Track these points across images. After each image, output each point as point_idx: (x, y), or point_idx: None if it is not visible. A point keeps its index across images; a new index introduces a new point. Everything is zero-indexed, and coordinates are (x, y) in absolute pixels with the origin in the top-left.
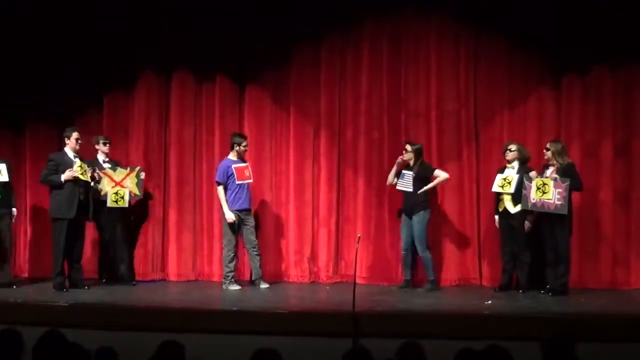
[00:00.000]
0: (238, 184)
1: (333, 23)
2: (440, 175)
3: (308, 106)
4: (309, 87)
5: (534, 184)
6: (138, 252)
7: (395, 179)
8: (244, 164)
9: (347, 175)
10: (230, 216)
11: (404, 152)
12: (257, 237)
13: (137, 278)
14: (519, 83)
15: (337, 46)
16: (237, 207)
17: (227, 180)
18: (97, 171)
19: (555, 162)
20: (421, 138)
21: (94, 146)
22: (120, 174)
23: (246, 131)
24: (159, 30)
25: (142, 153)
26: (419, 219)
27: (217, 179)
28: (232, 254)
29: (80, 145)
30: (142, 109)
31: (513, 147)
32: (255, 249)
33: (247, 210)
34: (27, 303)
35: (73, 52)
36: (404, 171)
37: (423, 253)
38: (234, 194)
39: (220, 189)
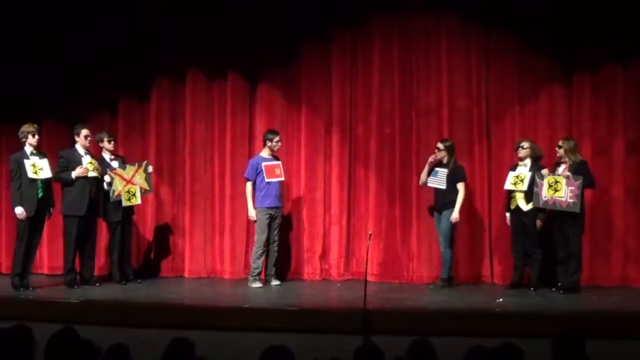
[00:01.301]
0: (267, 182)
1: (343, 20)
2: (460, 191)
3: (319, 103)
4: (320, 84)
5: (545, 182)
6: (152, 250)
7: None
8: (275, 162)
9: (358, 173)
10: (252, 214)
11: (436, 150)
12: (279, 235)
13: (151, 274)
14: (529, 80)
15: (348, 43)
16: (266, 205)
17: (256, 177)
18: (109, 172)
19: (567, 159)
20: (433, 135)
21: (97, 144)
22: (129, 171)
23: (257, 129)
24: (172, 30)
25: (156, 153)
26: (448, 216)
27: (245, 174)
28: (261, 251)
29: (90, 142)
30: (156, 107)
31: (525, 144)
32: (275, 246)
33: (277, 208)
34: (39, 300)
35: (89, 51)
36: (437, 168)
37: (445, 250)
38: (262, 192)
39: (248, 185)
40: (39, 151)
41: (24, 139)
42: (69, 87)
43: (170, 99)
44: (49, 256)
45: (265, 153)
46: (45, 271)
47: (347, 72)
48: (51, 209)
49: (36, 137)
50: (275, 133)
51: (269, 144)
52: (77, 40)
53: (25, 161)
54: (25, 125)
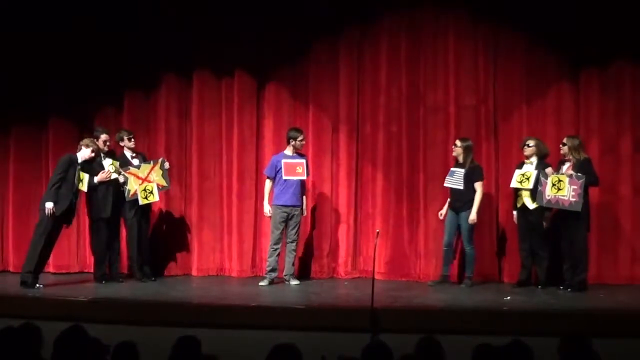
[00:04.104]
0: (285, 180)
1: (351, 17)
2: (478, 191)
3: (326, 101)
4: (328, 82)
5: (549, 180)
6: (160, 248)
7: None
8: (297, 160)
9: (365, 171)
10: (266, 210)
11: (453, 147)
12: (298, 234)
13: (160, 273)
14: (537, 78)
15: (355, 41)
16: (281, 202)
17: (276, 175)
18: (123, 173)
19: (571, 157)
20: (440, 133)
21: (118, 143)
22: (144, 169)
23: (264, 126)
24: (179, 26)
25: (163, 148)
26: (467, 217)
27: (265, 171)
28: (272, 250)
29: (109, 146)
30: (163, 105)
31: (531, 142)
32: (293, 245)
33: (295, 207)
34: (47, 298)
35: (94, 51)
36: (453, 168)
37: (470, 249)
38: (280, 189)
39: (267, 182)
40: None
41: (83, 147)
42: (75, 86)
43: (178, 97)
44: (55, 255)
45: (289, 151)
46: (51, 270)
47: (354, 69)
48: (72, 218)
49: (94, 154)
50: (299, 131)
51: (292, 142)
52: (82, 39)
53: (75, 167)
54: (89, 139)
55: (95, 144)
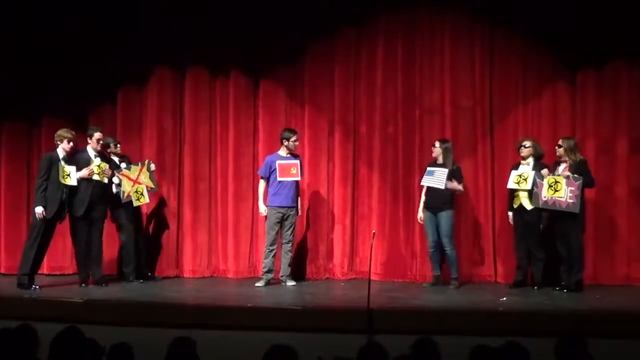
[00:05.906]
0: (279, 181)
1: (347, 18)
2: (461, 188)
3: (322, 102)
4: (324, 82)
5: (545, 182)
6: (153, 249)
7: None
8: (291, 161)
9: (361, 172)
10: (261, 210)
11: (432, 148)
12: (293, 234)
13: (154, 274)
14: (533, 79)
15: (352, 41)
16: (276, 203)
17: (270, 175)
18: (117, 174)
19: (567, 158)
20: (436, 134)
21: (105, 149)
22: (134, 171)
23: (260, 127)
24: (173, 25)
25: (156, 149)
26: (448, 216)
27: (259, 172)
28: (268, 251)
29: (101, 145)
30: (156, 104)
31: (527, 143)
32: (289, 246)
33: (290, 208)
34: (43, 299)
35: (88, 50)
36: (432, 168)
37: (451, 250)
38: (274, 190)
39: (261, 182)
40: (70, 157)
41: (58, 142)
42: (72, 86)
43: (172, 96)
44: (49, 256)
45: (282, 152)
46: (45, 271)
47: (350, 70)
48: (65, 213)
49: (71, 143)
50: (293, 132)
51: (285, 143)
52: (77, 38)
53: (58, 164)
54: (63, 130)
55: (71, 133)
